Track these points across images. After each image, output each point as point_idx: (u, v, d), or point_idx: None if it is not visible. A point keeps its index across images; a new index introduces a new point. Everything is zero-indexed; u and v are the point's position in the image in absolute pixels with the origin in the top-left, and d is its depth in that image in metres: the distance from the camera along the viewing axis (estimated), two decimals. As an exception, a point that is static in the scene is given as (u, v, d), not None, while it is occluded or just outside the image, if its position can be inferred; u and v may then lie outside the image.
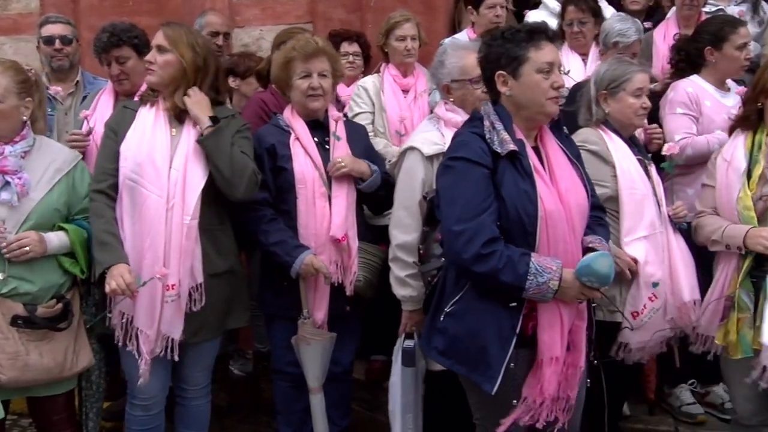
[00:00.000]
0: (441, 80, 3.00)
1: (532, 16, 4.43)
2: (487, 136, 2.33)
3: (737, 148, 2.86)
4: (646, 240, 2.87)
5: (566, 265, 2.28)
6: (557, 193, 2.34)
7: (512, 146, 2.29)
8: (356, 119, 3.76)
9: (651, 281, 2.84)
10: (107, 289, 2.64)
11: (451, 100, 2.98)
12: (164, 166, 2.76)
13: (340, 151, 3.07)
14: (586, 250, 2.39)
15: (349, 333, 3.18)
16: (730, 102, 3.47)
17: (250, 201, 2.96)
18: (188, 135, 2.82)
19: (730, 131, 3.00)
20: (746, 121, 2.90)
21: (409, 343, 2.97)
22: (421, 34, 4.04)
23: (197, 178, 2.79)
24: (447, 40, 4.11)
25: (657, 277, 2.86)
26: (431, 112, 3.72)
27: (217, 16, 4.45)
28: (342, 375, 3.24)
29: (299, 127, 3.09)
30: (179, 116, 2.84)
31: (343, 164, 3.02)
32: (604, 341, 2.81)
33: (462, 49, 3.00)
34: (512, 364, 2.30)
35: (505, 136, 2.31)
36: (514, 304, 2.29)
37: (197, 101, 2.81)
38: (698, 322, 2.91)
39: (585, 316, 2.44)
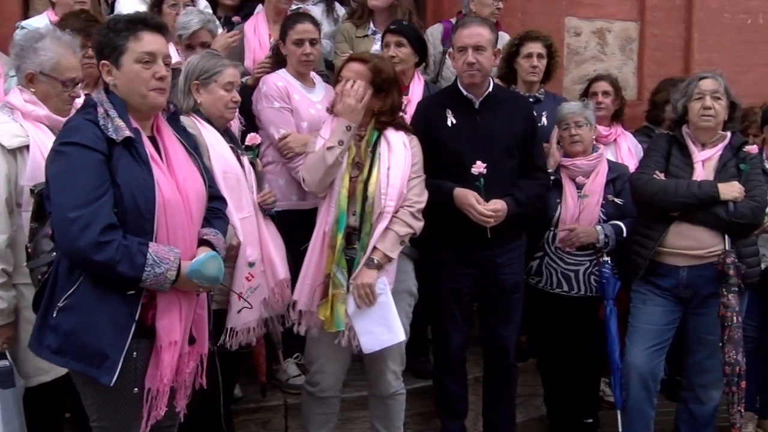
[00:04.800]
0: (27, 67, 2.72)
1: (122, 3, 4.26)
2: (101, 122, 2.25)
3: None
4: (245, 221, 2.98)
5: (185, 253, 2.30)
6: (175, 181, 2.34)
7: (127, 132, 2.25)
8: None
9: (248, 261, 2.96)
10: None
11: (33, 90, 2.72)
12: None
13: None
14: (201, 242, 2.42)
15: None
16: (316, 97, 3.70)
17: None
18: None
19: None
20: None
21: (4, 362, 2.66)
22: None
23: None
24: (25, 22, 3.77)
25: (253, 257, 2.99)
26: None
27: None
28: None
29: None
30: None
31: None
32: (214, 327, 2.84)
33: (64, 46, 2.77)
34: (134, 353, 2.25)
35: (120, 123, 2.25)
36: (132, 292, 2.24)
37: None
38: (299, 299, 3.08)
39: (206, 305, 2.50)
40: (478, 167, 3.21)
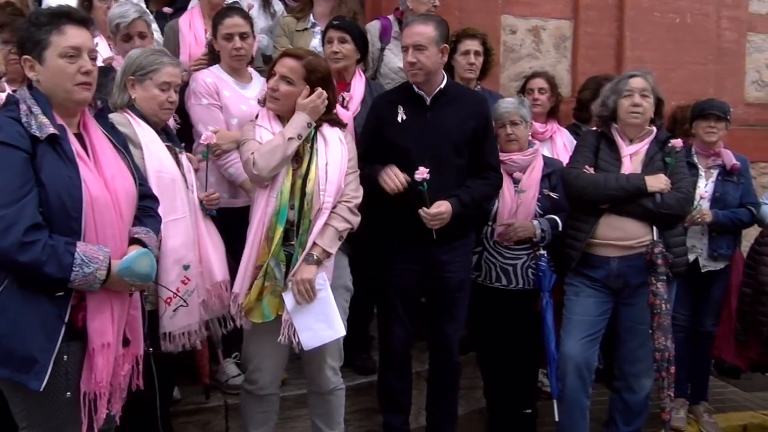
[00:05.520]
0: None
1: (50, -3, 4.13)
2: (24, 120, 2.19)
3: (272, 119, 3.11)
4: (178, 223, 2.91)
5: (115, 252, 2.26)
6: (103, 179, 2.29)
7: (52, 129, 2.19)
8: None
9: (182, 264, 2.89)
10: None
11: None
12: None
13: None
14: (133, 240, 2.38)
15: None
16: (250, 93, 3.64)
17: None
18: None
19: None
20: None
21: None
22: None
23: None
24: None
25: (188, 259, 2.92)
26: None
27: None
28: None
29: None
30: None
31: None
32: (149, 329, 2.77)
33: None
34: (65, 357, 2.20)
35: (44, 119, 2.20)
36: (60, 293, 2.19)
37: None
38: (240, 292, 3.03)
39: (139, 305, 2.46)
40: (421, 173, 3.20)
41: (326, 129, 3.12)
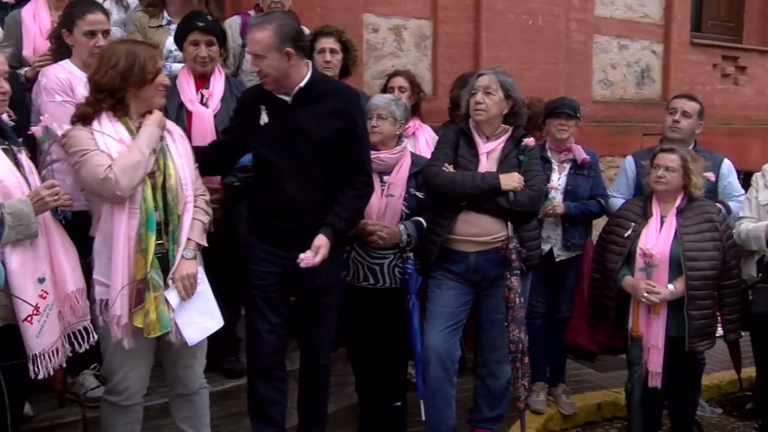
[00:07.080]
0: None
1: None
2: None
3: (113, 123, 2.90)
4: None
5: None
6: None
7: None
8: None
9: (37, 277, 2.69)
10: None
11: None
12: None
13: None
14: None
15: None
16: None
17: None
18: None
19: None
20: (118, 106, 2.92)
21: None
22: None
23: None
24: None
25: (42, 271, 2.72)
26: None
27: None
28: None
29: None
30: None
31: None
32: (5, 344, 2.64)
33: None
34: None
35: None
36: None
37: None
38: (121, 312, 2.85)
39: None
40: (306, 262, 3.11)
41: (168, 123, 3.07)
